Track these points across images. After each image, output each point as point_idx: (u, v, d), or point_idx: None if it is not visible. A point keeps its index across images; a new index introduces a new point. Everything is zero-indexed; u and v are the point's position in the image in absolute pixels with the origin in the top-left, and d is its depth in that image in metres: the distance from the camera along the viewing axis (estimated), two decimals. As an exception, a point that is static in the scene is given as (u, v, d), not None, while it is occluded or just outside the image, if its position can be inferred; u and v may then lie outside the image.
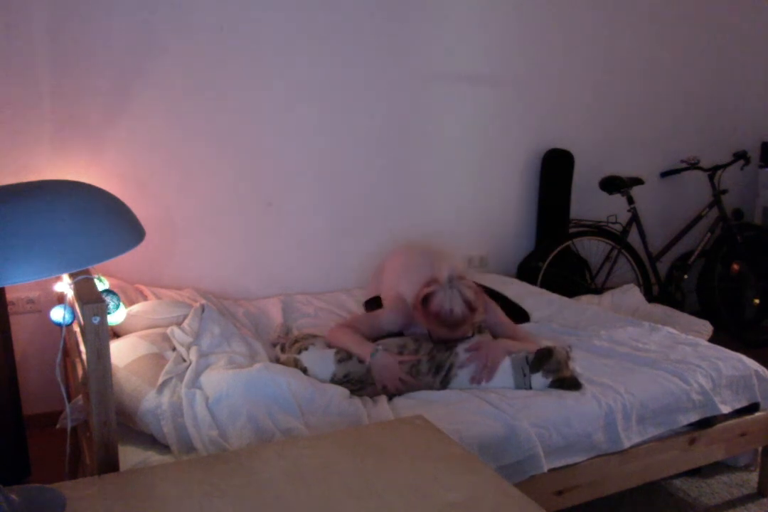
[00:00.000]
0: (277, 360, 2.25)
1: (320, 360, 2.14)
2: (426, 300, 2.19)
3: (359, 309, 2.94)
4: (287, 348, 2.29)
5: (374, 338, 2.34)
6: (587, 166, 3.79)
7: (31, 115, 2.66)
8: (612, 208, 3.82)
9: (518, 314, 2.80)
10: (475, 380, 2.14)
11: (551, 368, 2.12)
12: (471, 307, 2.17)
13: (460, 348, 2.20)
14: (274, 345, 2.46)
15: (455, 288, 2.16)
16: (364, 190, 3.30)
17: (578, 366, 2.23)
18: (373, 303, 2.68)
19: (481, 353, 2.16)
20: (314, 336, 2.34)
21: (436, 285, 2.19)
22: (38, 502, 1.17)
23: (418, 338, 2.27)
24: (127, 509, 1.16)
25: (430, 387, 2.15)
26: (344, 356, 2.15)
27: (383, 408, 1.99)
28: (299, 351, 2.19)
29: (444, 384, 2.16)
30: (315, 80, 3.09)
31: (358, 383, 2.10)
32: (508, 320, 2.42)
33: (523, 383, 2.13)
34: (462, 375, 2.16)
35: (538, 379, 2.13)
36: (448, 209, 3.50)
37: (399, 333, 2.41)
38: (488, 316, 2.36)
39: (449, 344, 2.22)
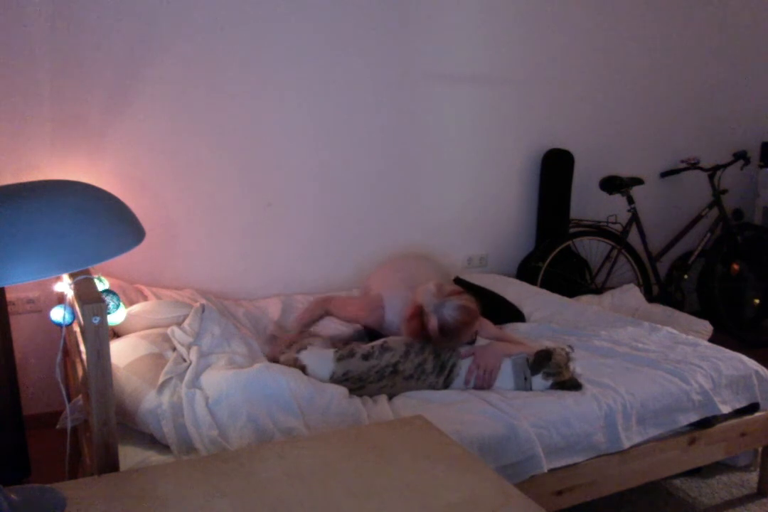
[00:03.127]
0: (275, 360, 2.25)
1: (319, 359, 2.14)
2: (417, 320, 2.20)
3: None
4: (286, 349, 2.29)
5: (347, 319, 2.52)
6: (587, 166, 3.80)
7: (31, 115, 2.66)
8: (612, 208, 3.82)
9: (513, 314, 2.80)
10: (477, 388, 2.14)
11: (551, 371, 2.12)
12: (467, 313, 2.18)
13: (463, 348, 2.21)
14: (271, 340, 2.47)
15: (440, 306, 2.17)
16: (364, 189, 3.30)
17: (578, 366, 2.23)
18: None
19: (477, 362, 2.16)
20: (314, 336, 2.34)
21: (421, 306, 2.20)
22: (38, 502, 1.17)
23: None
24: (127, 509, 1.16)
25: (433, 387, 2.15)
26: (344, 354, 2.15)
27: (383, 408, 1.99)
28: (298, 351, 2.19)
29: (447, 384, 2.16)
30: (315, 80, 3.09)
31: (358, 381, 2.10)
32: (499, 331, 2.42)
33: (523, 386, 2.14)
34: (464, 375, 2.16)
35: (538, 382, 2.13)
36: (448, 209, 3.50)
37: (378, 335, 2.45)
38: (480, 331, 2.36)
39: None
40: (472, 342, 2.27)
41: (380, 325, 2.45)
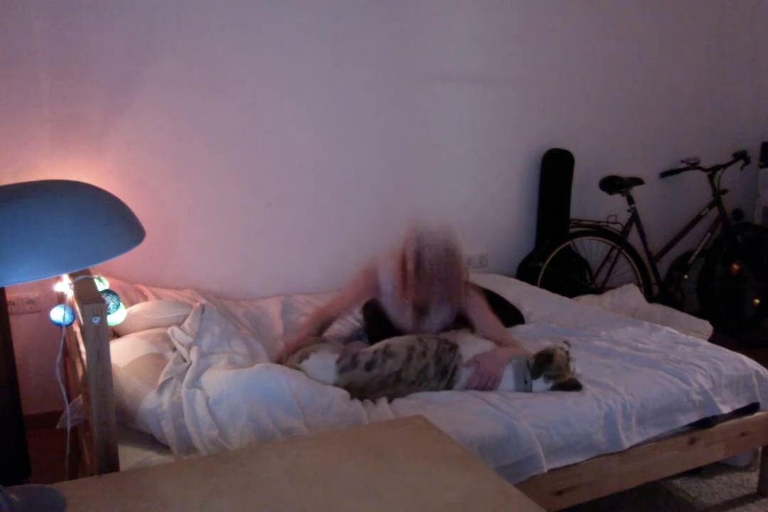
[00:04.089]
0: (279, 361, 2.24)
1: (322, 370, 2.10)
2: (401, 266, 2.19)
3: (358, 310, 2.93)
4: (290, 353, 2.27)
5: (351, 307, 2.51)
6: (587, 166, 3.79)
7: (31, 115, 2.65)
8: (612, 208, 3.82)
9: (513, 316, 2.79)
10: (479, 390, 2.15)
11: (552, 374, 2.12)
12: (445, 253, 2.16)
13: (463, 351, 2.20)
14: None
15: (422, 247, 2.17)
16: (365, 189, 3.30)
17: (578, 366, 2.23)
18: (370, 307, 2.68)
19: (481, 371, 2.15)
20: (321, 342, 2.31)
21: (409, 241, 2.20)
22: (38, 502, 1.17)
23: (422, 338, 2.26)
24: (127, 509, 1.16)
25: (435, 390, 2.14)
26: (346, 365, 2.11)
27: (383, 408, 1.99)
28: (300, 360, 2.14)
29: (448, 387, 2.15)
30: (315, 81, 3.09)
31: (360, 392, 2.08)
32: (492, 317, 2.39)
33: (524, 388, 2.14)
34: (464, 379, 2.16)
35: (539, 385, 2.13)
36: (448, 209, 3.50)
37: (383, 327, 2.43)
38: (471, 309, 2.36)
39: (452, 344, 2.22)
40: (458, 318, 2.28)
41: (377, 293, 2.44)
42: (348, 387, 2.07)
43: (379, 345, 2.23)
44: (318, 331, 2.43)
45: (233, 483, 1.24)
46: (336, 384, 2.07)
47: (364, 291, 2.47)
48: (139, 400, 1.81)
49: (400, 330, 2.45)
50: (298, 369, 2.11)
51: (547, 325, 2.70)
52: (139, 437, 1.82)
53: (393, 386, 2.10)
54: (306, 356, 2.14)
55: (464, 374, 2.16)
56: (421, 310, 2.43)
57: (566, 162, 3.67)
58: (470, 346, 2.23)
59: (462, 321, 2.58)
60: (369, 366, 2.11)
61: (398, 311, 2.45)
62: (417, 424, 1.48)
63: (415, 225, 2.28)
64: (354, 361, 2.12)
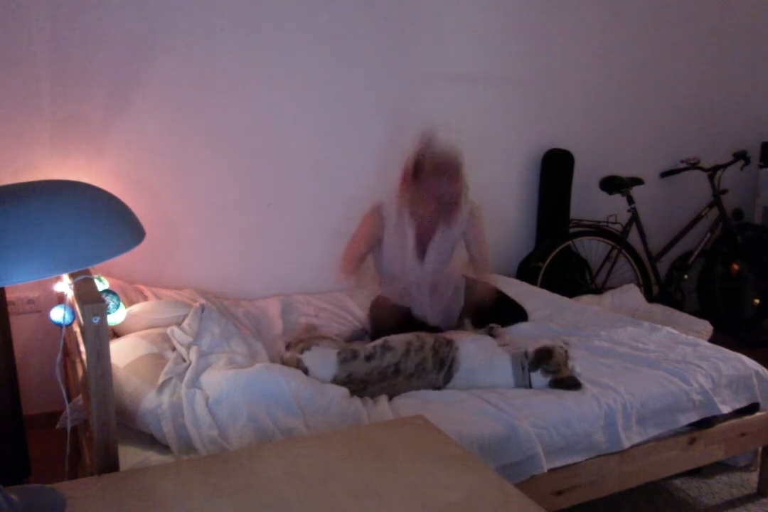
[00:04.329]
0: (281, 359, 2.25)
1: (322, 361, 2.13)
2: (408, 168, 2.35)
3: (358, 310, 2.94)
4: (292, 346, 2.29)
5: (368, 247, 2.61)
6: (587, 166, 3.79)
7: (31, 115, 2.66)
8: (612, 208, 3.82)
9: (517, 313, 2.79)
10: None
11: (550, 369, 2.13)
12: (452, 163, 2.36)
13: (460, 344, 2.21)
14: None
15: (433, 150, 2.35)
16: (364, 189, 3.29)
17: (578, 365, 2.23)
18: (375, 307, 2.68)
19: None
20: (323, 338, 2.33)
21: (415, 148, 2.37)
22: (38, 502, 1.18)
23: (419, 335, 2.27)
24: (127, 509, 1.16)
25: (434, 384, 2.15)
26: (347, 356, 2.14)
27: (383, 408, 1.99)
28: (302, 351, 2.18)
29: (447, 380, 2.16)
30: (315, 80, 3.09)
31: (361, 383, 2.09)
32: (483, 236, 2.63)
33: (522, 378, 2.14)
34: (463, 371, 2.17)
35: (538, 378, 2.14)
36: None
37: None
38: (470, 229, 2.58)
39: (449, 340, 2.23)
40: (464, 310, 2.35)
41: (382, 225, 2.59)
42: (348, 378, 2.09)
43: (378, 341, 2.26)
44: (358, 269, 2.64)
45: (233, 483, 1.24)
46: (336, 376, 2.09)
47: (374, 224, 2.60)
48: (139, 400, 1.81)
49: (404, 283, 2.59)
50: (299, 360, 2.14)
51: (547, 325, 2.70)
52: (139, 437, 1.82)
53: (392, 378, 2.11)
54: (308, 348, 2.19)
55: (462, 364, 2.17)
56: (423, 242, 2.55)
57: (566, 162, 3.67)
58: (467, 342, 2.25)
59: (461, 316, 2.63)
60: (369, 358, 2.14)
61: (400, 251, 2.54)
62: (417, 424, 1.48)
63: (423, 135, 2.40)
64: (354, 354, 2.16)
